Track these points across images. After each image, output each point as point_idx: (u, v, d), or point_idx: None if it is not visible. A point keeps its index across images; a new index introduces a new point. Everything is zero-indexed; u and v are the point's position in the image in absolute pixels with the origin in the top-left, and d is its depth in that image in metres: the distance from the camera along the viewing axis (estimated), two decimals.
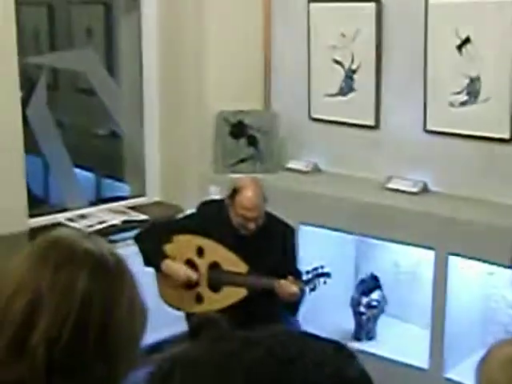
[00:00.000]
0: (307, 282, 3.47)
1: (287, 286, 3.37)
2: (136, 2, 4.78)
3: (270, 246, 3.56)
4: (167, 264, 3.58)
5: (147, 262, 3.64)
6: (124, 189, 5.20)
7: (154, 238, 3.65)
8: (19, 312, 1.24)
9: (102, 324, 1.26)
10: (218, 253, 3.56)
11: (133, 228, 4.26)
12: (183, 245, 3.62)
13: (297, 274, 3.51)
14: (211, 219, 3.62)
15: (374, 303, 4.28)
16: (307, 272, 3.52)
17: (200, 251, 3.60)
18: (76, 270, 1.28)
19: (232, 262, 3.53)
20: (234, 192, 3.51)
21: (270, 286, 3.40)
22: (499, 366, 1.49)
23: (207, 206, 3.76)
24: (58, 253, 1.30)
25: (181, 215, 4.25)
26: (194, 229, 3.61)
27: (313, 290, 3.50)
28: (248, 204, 3.46)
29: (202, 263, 3.60)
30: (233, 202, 3.50)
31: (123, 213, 4.59)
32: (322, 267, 3.50)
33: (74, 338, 1.23)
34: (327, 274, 3.50)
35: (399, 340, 4.31)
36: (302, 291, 3.47)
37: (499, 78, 3.86)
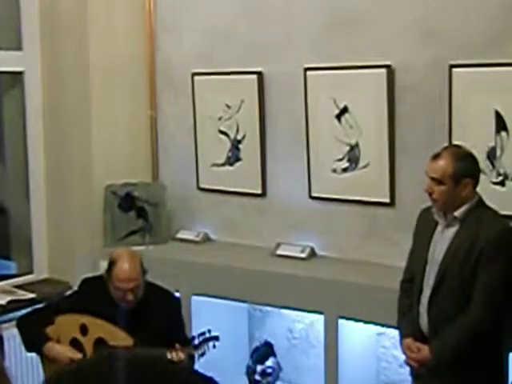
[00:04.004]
0: (196, 347, 3.45)
1: (173, 354, 3.34)
2: (19, 76, 4.74)
3: (154, 316, 3.53)
4: (49, 347, 3.49)
5: (29, 348, 3.56)
6: (10, 267, 5.04)
7: (34, 322, 3.56)
8: None
9: None
10: (103, 328, 3.50)
11: (20, 308, 4.12)
12: (66, 325, 3.55)
13: (185, 342, 3.49)
14: (93, 296, 3.57)
15: (269, 370, 4.29)
16: (193, 338, 3.50)
17: (84, 329, 3.53)
18: None
19: (117, 337, 3.47)
20: (111, 265, 3.50)
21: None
22: None
23: (88, 283, 3.72)
24: None
25: (68, 292, 4.16)
26: (76, 307, 3.55)
27: (202, 355, 3.47)
28: (123, 276, 3.44)
29: (87, 341, 3.53)
30: (110, 275, 3.48)
31: (9, 292, 4.45)
32: (209, 331, 3.47)
33: None
34: (215, 338, 3.47)
35: None
36: (192, 358, 3.45)
37: (377, 144, 4.04)
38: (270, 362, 4.31)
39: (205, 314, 4.28)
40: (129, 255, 3.53)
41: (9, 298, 4.32)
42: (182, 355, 3.34)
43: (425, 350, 3.08)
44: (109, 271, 3.50)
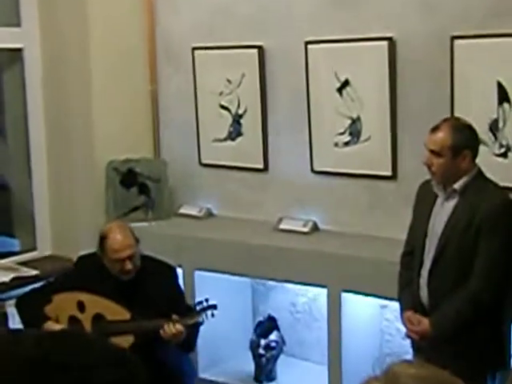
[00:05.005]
0: (193, 317, 3.46)
1: (170, 326, 3.36)
2: (19, 52, 4.72)
3: (151, 288, 3.54)
4: (47, 327, 3.51)
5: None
6: (13, 244, 5.05)
7: (32, 303, 3.59)
8: None
9: None
10: (100, 304, 3.52)
11: (24, 285, 4.14)
12: (63, 303, 3.57)
13: (185, 311, 3.50)
14: (89, 272, 3.60)
15: (273, 344, 4.31)
16: (191, 307, 3.53)
17: (81, 306, 3.55)
18: None
19: (115, 311, 3.49)
20: (102, 239, 3.51)
21: (155, 328, 3.38)
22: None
23: (84, 260, 3.74)
24: None
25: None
26: (73, 285, 3.57)
27: (201, 324, 3.50)
28: (118, 245, 3.46)
29: (85, 317, 3.55)
30: (103, 249, 3.50)
31: (13, 269, 4.47)
32: (207, 300, 3.49)
33: None
34: (214, 306, 3.49)
35: (299, 379, 4.35)
36: (193, 326, 3.47)
37: (378, 117, 4.01)
38: (273, 336, 4.32)
39: (208, 289, 4.27)
40: (118, 226, 3.57)
41: (12, 275, 4.34)
42: (179, 327, 3.36)
43: (425, 323, 3.08)
44: (102, 247, 3.51)
